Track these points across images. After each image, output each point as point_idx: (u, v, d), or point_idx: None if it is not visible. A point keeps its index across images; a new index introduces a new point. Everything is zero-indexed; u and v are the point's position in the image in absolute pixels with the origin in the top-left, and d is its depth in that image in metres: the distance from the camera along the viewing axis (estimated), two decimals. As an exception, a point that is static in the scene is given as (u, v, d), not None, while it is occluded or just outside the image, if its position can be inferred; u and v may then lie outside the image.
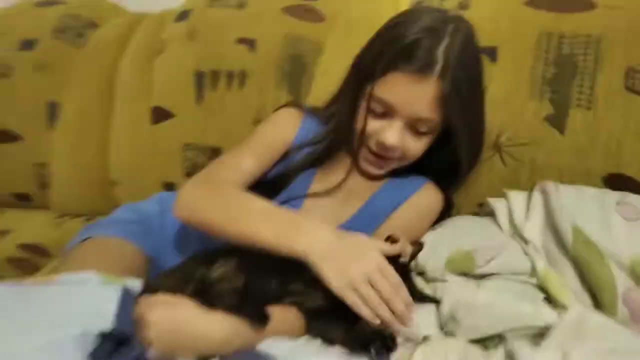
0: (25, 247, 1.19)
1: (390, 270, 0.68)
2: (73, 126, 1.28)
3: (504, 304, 0.71)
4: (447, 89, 0.78)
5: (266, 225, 0.72)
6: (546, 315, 0.70)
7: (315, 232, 0.70)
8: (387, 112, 0.82)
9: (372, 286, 0.65)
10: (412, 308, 0.69)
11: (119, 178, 1.26)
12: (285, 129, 0.92)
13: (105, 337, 0.58)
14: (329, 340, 0.71)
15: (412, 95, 0.79)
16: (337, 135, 0.89)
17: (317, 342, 0.72)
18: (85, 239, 0.84)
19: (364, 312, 0.65)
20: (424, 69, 0.77)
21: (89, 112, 1.27)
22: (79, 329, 0.55)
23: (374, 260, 0.67)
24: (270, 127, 0.94)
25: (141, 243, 0.85)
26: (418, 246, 0.82)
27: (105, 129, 1.25)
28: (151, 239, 0.89)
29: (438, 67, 0.77)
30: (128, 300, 0.65)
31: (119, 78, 1.24)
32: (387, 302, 0.65)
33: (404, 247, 0.74)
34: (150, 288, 0.72)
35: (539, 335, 0.68)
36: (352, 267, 0.66)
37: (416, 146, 0.85)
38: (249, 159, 0.87)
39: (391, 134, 0.82)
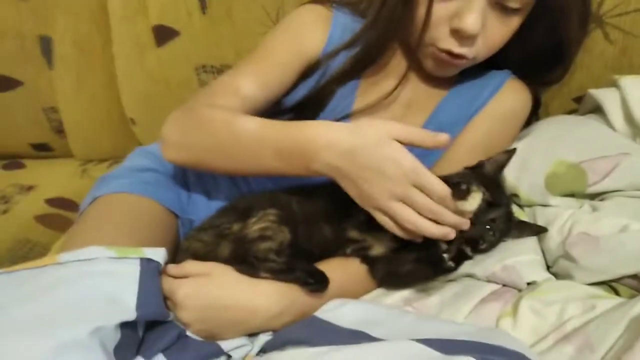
0: (52, 201, 1.08)
1: (425, 173, 0.50)
2: (71, 61, 1.10)
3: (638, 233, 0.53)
4: None
5: (267, 150, 0.57)
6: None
7: (325, 140, 0.54)
8: None
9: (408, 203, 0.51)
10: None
11: (134, 114, 1.10)
12: (308, 33, 0.70)
13: (128, 327, 0.48)
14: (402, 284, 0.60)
15: None
16: (382, 28, 0.66)
17: (391, 297, 0.58)
18: (95, 199, 0.68)
19: (400, 233, 0.53)
20: None
21: (85, 41, 1.09)
22: (91, 324, 0.44)
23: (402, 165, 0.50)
24: (284, 33, 0.71)
25: (161, 195, 0.69)
26: (508, 152, 0.65)
27: (108, 59, 1.07)
28: (174, 188, 0.73)
29: None
30: (151, 275, 0.53)
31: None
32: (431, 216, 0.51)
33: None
34: (178, 254, 0.58)
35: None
36: (376, 182, 0.51)
37: (502, 32, 0.62)
38: (251, 79, 0.66)
39: (472, 17, 0.58)
